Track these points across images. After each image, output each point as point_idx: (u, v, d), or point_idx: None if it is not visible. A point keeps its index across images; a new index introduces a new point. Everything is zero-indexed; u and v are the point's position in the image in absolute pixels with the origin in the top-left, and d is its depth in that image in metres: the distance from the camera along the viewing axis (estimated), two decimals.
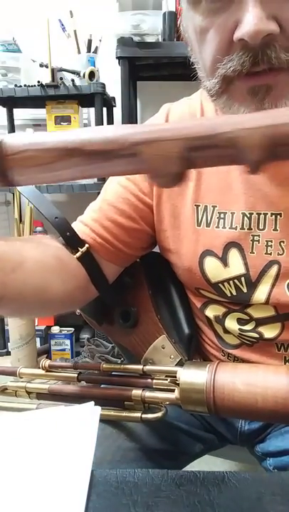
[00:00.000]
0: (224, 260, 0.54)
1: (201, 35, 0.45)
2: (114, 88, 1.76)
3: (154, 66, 1.69)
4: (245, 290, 0.54)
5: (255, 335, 0.56)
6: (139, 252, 0.63)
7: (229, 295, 0.55)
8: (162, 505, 0.33)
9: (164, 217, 0.58)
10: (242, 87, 0.44)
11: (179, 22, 1.57)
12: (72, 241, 0.56)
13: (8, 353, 1.92)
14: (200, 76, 0.50)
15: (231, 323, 0.57)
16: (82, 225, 0.60)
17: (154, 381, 0.43)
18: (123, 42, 1.54)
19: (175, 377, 0.41)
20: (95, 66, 1.71)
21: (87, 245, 0.57)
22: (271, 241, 0.52)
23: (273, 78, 0.43)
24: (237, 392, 0.37)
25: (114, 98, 1.87)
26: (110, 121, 1.92)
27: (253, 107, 0.44)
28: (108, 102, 1.83)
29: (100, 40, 1.75)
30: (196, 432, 0.64)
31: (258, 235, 0.52)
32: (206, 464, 0.84)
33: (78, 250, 0.56)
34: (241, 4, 0.40)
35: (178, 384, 0.40)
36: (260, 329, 0.56)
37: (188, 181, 0.56)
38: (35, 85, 1.70)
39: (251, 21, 0.39)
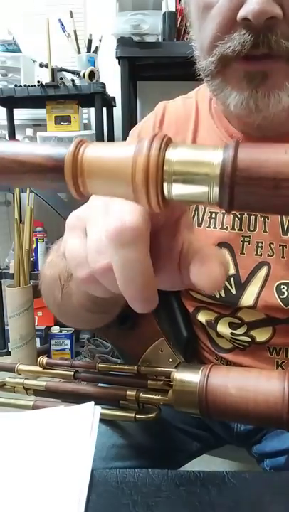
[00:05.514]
0: None
1: (203, 11, 0.45)
2: (114, 88, 1.75)
3: (154, 66, 1.69)
4: (234, 291, 0.53)
5: (247, 338, 0.56)
6: None
7: (218, 296, 0.55)
8: (162, 505, 0.33)
9: None
10: (239, 69, 0.44)
11: (178, 22, 1.57)
12: None
13: (8, 353, 1.93)
14: (196, 55, 0.49)
15: (223, 328, 0.57)
16: None
17: (149, 382, 0.44)
18: (123, 42, 1.54)
19: (169, 378, 0.41)
20: (95, 66, 1.71)
21: None
22: (262, 242, 0.51)
23: (270, 65, 0.43)
24: (229, 396, 0.37)
25: (114, 98, 1.87)
26: (110, 121, 1.92)
27: (247, 92, 0.44)
28: (108, 102, 1.83)
29: (100, 40, 1.74)
30: (192, 431, 0.64)
31: (249, 236, 0.52)
32: (206, 463, 0.84)
33: None
34: None
35: (171, 385, 0.40)
36: (252, 333, 0.56)
37: None
38: (35, 85, 1.70)
39: (257, 0, 0.39)
